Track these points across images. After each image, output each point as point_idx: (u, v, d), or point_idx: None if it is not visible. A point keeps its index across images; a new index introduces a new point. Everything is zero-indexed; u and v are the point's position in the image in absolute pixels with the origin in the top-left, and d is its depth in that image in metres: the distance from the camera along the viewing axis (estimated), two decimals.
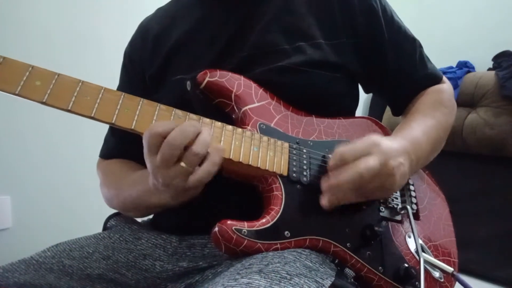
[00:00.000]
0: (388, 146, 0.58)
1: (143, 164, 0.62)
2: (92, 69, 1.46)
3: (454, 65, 2.11)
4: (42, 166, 1.48)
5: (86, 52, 1.57)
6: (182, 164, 0.51)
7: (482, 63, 2.04)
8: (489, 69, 1.98)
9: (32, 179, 1.46)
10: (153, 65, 0.76)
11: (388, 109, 2.13)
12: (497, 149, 1.76)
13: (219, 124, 0.56)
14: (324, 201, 0.56)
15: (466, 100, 1.87)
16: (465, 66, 2.06)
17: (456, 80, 1.95)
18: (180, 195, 0.57)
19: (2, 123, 1.39)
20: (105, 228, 0.77)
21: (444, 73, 2.07)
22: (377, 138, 0.60)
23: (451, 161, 1.73)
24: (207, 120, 0.56)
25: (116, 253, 0.66)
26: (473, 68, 2.08)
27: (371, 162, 0.55)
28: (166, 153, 0.50)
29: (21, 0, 1.41)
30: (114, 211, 0.78)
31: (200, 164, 0.53)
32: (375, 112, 2.29)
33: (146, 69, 0.78)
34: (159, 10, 0.86)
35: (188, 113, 0.55)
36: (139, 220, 0.78)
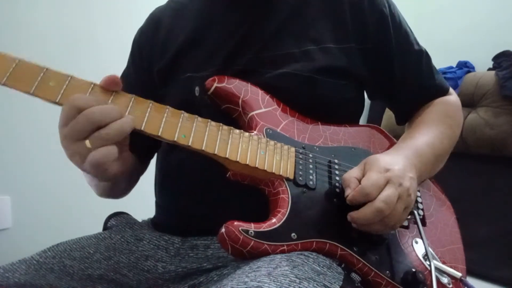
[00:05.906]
0: (399, 168, 0.57)
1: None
2: (86, 69, 1.44)
3: (454, 65, 2.11)
4: (42, 166, 1.47)
5: (81, 52, 1.55)
6: (87, 143, 0.46)
7: (482, 63, 2.04)
8: (489, 69, 1.98)
9: (32, 179, 1.46)
10: (163, 60, 0.75)
11: (387, 111, 2.13)
12: (497, 149, 1.76)
13: (226, 127, 0.56)
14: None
15: (466, 100, 1.87)
16: (465, 66, 2.06)
17: (456, 80, 1.96)
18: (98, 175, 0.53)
19: (2, 123, 1.38)
20: (105, 228, 0.77)
21: (444, 73, 2.08)
22: (385, 161, 0.58)
23: (451, 161, 1.72)
24: (214, 123, 0.56)
25: (117, 254, 0.66)
26: (473, 68, 2.08)
27: (389, 192, 0.54)
28: (78, 125, 0.46)
29: (17, 0, 1.40)
30: (114, 210, 0.78)
31: None
32: (374, 115, 2.28)
33: (154, 62, 0.76)
34: (171, 1, 0.83)
35: (196, 116, 0.55)
36: (139, 220, 0.78)
